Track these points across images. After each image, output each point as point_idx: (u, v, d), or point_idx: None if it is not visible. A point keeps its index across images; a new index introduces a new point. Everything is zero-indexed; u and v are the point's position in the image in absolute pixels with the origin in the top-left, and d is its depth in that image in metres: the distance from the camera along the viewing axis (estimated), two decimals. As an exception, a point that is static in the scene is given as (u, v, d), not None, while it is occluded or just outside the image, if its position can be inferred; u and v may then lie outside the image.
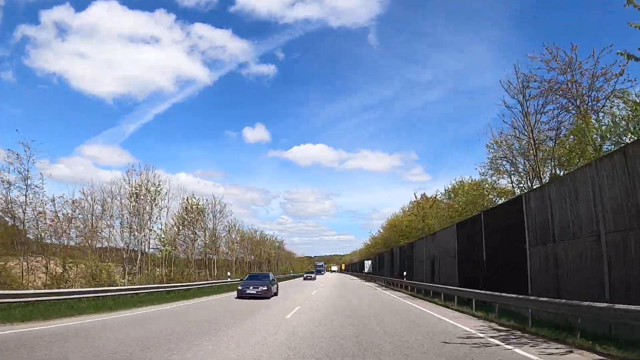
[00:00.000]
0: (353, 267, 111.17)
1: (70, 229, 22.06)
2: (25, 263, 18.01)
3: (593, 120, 16.78)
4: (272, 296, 22.71)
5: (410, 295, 25.86)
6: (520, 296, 11.61)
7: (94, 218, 24.97)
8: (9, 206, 18.22)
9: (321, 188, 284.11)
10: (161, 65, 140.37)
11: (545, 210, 12.03)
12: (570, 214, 10.75)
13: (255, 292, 21.43)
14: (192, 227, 35.51)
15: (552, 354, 7.62)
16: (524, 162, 21.96)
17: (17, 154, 17.84)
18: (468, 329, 10.91)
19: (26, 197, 18.33)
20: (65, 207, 21.24)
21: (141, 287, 21.29)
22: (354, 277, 76.76)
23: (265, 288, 21.77)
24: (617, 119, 15.55)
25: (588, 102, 18.05)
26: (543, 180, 19.44)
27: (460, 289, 17.58)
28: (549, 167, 20.30)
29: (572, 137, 18.09)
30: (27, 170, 18.17)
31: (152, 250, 29.08)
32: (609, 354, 7.26)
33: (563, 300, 9.64)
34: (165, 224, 30.60)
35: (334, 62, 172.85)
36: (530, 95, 20.21)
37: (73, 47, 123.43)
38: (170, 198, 30.47)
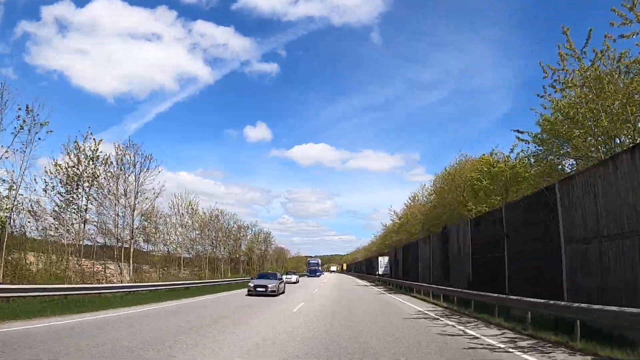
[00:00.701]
0: (357, 267, 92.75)
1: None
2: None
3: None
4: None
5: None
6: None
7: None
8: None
9: (322, 188, 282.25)
10: (162, 64, 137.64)
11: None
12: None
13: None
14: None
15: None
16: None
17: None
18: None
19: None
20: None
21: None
22: (360, 282, 51.99)
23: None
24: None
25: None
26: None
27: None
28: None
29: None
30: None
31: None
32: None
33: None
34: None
35: (336, 61, 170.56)
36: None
37: (74, 43, 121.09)
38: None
